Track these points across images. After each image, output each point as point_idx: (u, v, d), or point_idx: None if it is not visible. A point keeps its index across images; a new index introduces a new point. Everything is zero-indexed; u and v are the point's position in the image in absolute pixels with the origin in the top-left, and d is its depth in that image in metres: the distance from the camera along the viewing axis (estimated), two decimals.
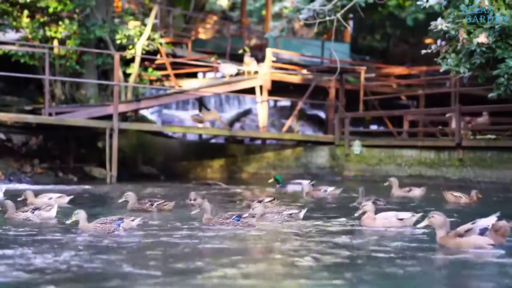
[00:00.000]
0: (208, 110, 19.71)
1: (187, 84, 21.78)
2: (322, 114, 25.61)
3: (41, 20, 18.20)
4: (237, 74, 20.72)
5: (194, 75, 23.90)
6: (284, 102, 25.35)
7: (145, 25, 20.61)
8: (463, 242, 6.30)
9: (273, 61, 20.52)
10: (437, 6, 11.14)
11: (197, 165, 20.26)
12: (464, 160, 15.63)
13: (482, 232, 6.17)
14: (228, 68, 20.05)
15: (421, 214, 8.22)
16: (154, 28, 21.55)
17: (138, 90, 20.77)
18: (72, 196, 10.68)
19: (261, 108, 19.76)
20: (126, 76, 20.04)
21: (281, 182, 14.56)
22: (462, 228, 6.37)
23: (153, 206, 9.76)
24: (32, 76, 17.38)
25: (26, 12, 18.07)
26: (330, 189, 12.79)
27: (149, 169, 19.13)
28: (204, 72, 23.95)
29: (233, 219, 8.18)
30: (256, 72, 19.95)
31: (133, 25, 20.48)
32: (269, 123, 21.82)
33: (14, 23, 18.18)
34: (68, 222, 7.75)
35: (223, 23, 35.22)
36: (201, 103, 21.49)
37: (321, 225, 8.52)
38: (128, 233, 7.54)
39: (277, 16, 35.14)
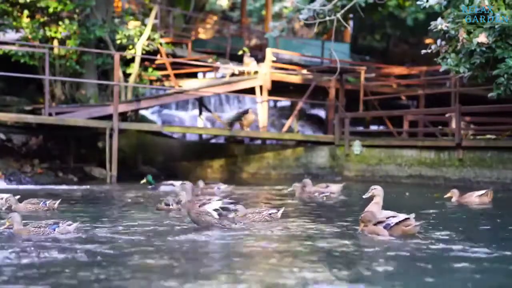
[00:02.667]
0: (246, 112, 18.64)
1: (187, 84, 21.77)
2: (322, 114, 25.60)
3: (41, 20, 18.20)
4: (235, 75, 20.70)
5: (194, 75, 23.89)
6: (284, 102, 25.34)
7: (145, 25, 20.62)
8: (372, 230, 7.25)
9: (273, 61, 20.52)
10: (437, 6, 11.16)
11: (197, 165, 20.26)
12: (464, 160, 15.63)
13: (386, 226, 7.16)
14: (226, 68, 19.95)
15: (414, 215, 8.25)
16: (154, 28, 21.56)
17: (138, 90, 20.77)
18: (19, 196, 10.39)
19: (261, 108, 19.76)
20: (126, 76, 20.05)
21: (153, 183, 14.20)
22: (378, 219, 7.31)
23: (47, 205, 9.69)
24: (32, 76, 17.38)
25: (26, 12, 18.07)
26: (223, 186, 13.25)
27: (149, 169, 19.11)
28: (204, 72, 23.96)
29: None
30: (256, 72, 19.95)
31: (133, 25, 20.48)
32: (269, 123, 21.80)
33: (14, 23, 18.17)
34: (0, 228, 7.37)
35: (223, 23, 35.26)
36: (201, 103, 21.50)
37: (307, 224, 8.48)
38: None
39: (277, 16, 35.17)
